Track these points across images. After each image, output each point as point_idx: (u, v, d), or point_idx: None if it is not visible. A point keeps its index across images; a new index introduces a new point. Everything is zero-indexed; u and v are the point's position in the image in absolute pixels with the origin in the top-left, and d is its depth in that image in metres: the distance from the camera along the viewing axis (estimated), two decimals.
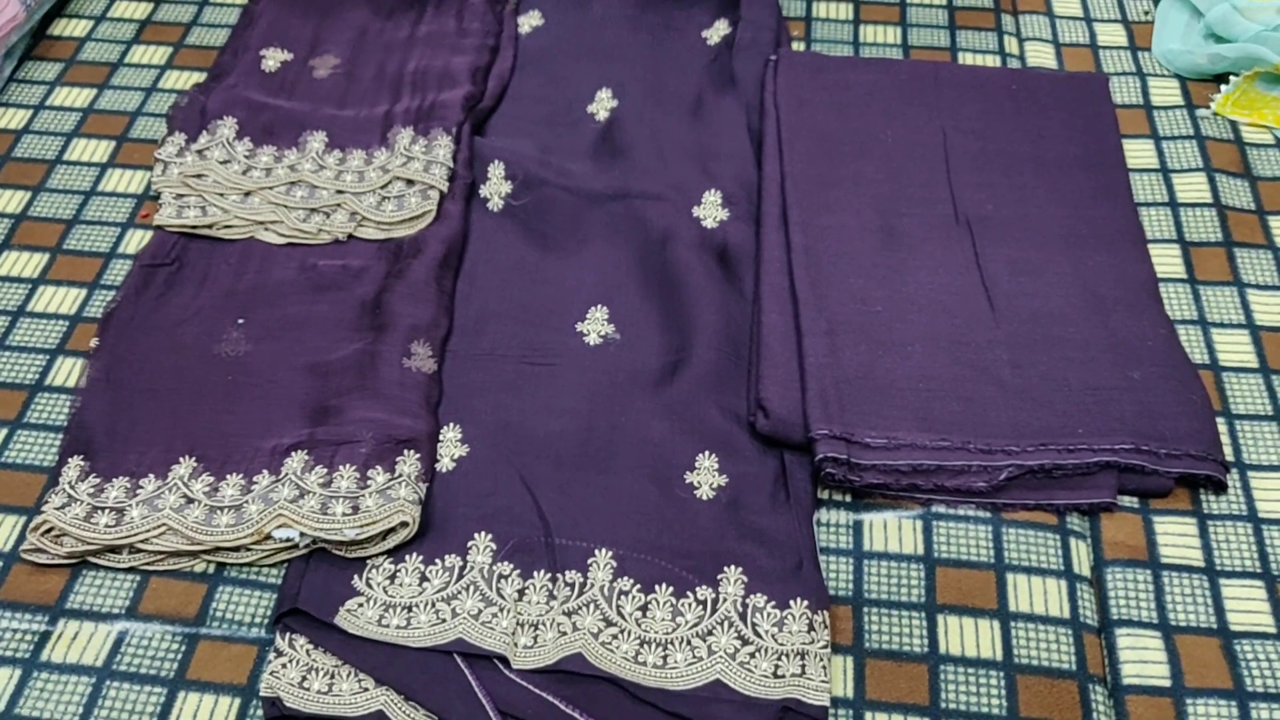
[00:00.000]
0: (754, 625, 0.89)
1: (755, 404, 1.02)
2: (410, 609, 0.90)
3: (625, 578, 0.92)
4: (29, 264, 1.17)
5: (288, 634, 0.89)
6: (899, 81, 1.32)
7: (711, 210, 1.19)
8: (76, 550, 0.94)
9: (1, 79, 1.36)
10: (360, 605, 0.90)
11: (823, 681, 0.85)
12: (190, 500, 0.95)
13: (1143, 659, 0.88)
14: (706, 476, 0.99)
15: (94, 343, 1.08)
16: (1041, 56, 1.39)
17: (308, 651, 0.88)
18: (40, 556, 0.94)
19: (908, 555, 0.95)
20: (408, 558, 0.93)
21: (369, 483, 0.94)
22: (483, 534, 0.95)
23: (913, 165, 1.22)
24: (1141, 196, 1.22)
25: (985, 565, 0.95)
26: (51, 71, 1.39)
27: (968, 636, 0.90)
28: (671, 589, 0.91)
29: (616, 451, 1.00)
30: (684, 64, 1.37)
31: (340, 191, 1.19)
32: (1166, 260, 1.16)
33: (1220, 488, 0.98)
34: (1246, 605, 0.92)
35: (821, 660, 0.87)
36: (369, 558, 0.93)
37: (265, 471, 0.96)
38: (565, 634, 0.88)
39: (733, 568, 0.92)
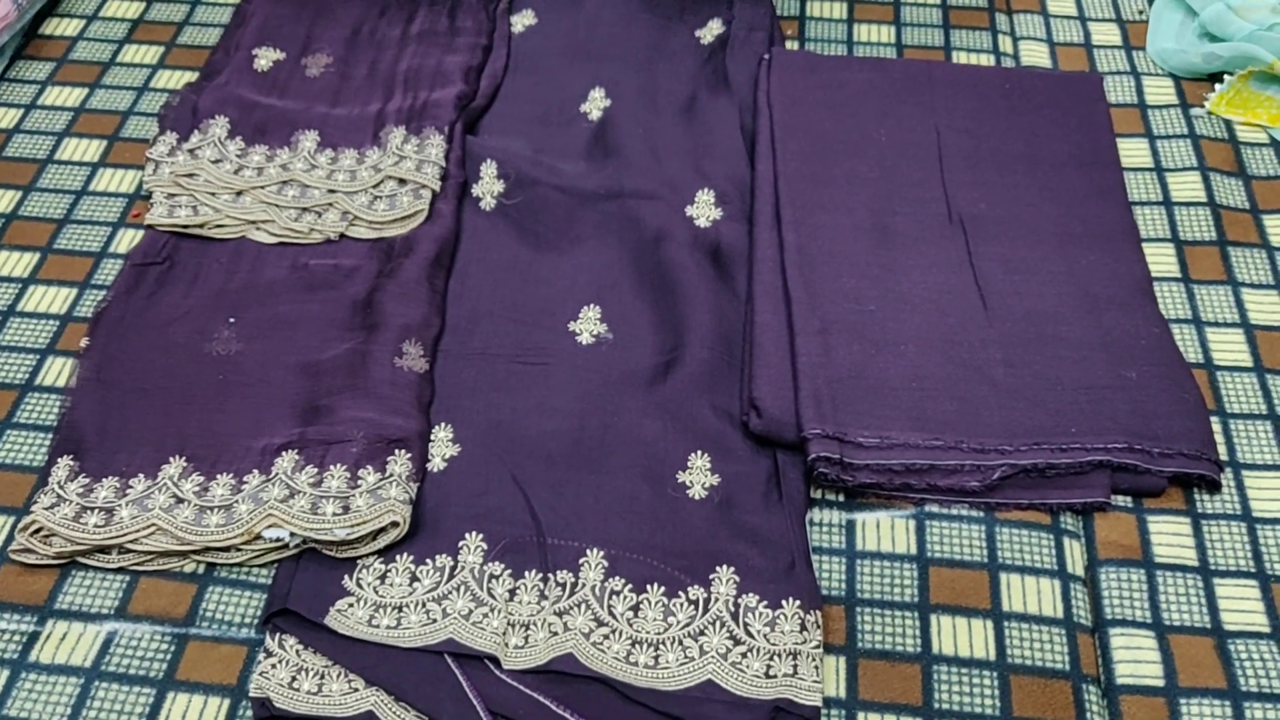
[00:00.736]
0: (746, 625, 0.89)
1: (748, 403, 1.01)
2: (401, 609, 0.89)
3: (617, 577, 0.92)
4: (19, 263, 1.17)
5: (277, 634, 0.89)
6: (893, 80, 1.31)
7: (705, 209, 1.18)
8: (65, 550, 0.93)
9: None
10: (350, 605, 0.90)
11: (815, 681, 0.85)
12: (180, 500, 0.95)
13: (1136, 659, 0.88)
14: (699, 476, 0.98)
15: (84, 342, 1.07)
16: (1036, 56, 1.39)
17: (297, 652, 0.88)
18: (29, 557, 0.94)
19: (901, 555, 0.95)
20: (398, 558, 0.93)
21: (360, 482, 0.94)
22: (474, 534, 0.94)
23: (906, 164, 1.22)
24: (1136, 195, 1.22)
25: (978, 565, 0.94)
26: (43, 71, 1.38)
27: (961, 636, 0.90)
28: (663, 589, 0.91)
29: (609, 451, 1.00)
30: (677, 63, 1.37)
31: (332, 191, 1.19)
32: (1161, 259, 1.16)
33: (1214, 487, 0.98)
34: (1240, 605, 0.92)
35: (814, 660, 0.86)
36: (359, 558, 0.93)
37: (255, 471, 0.96)
38: (556, 634, 0.88)
39: (725, 567, 0.92)
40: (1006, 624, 0.91)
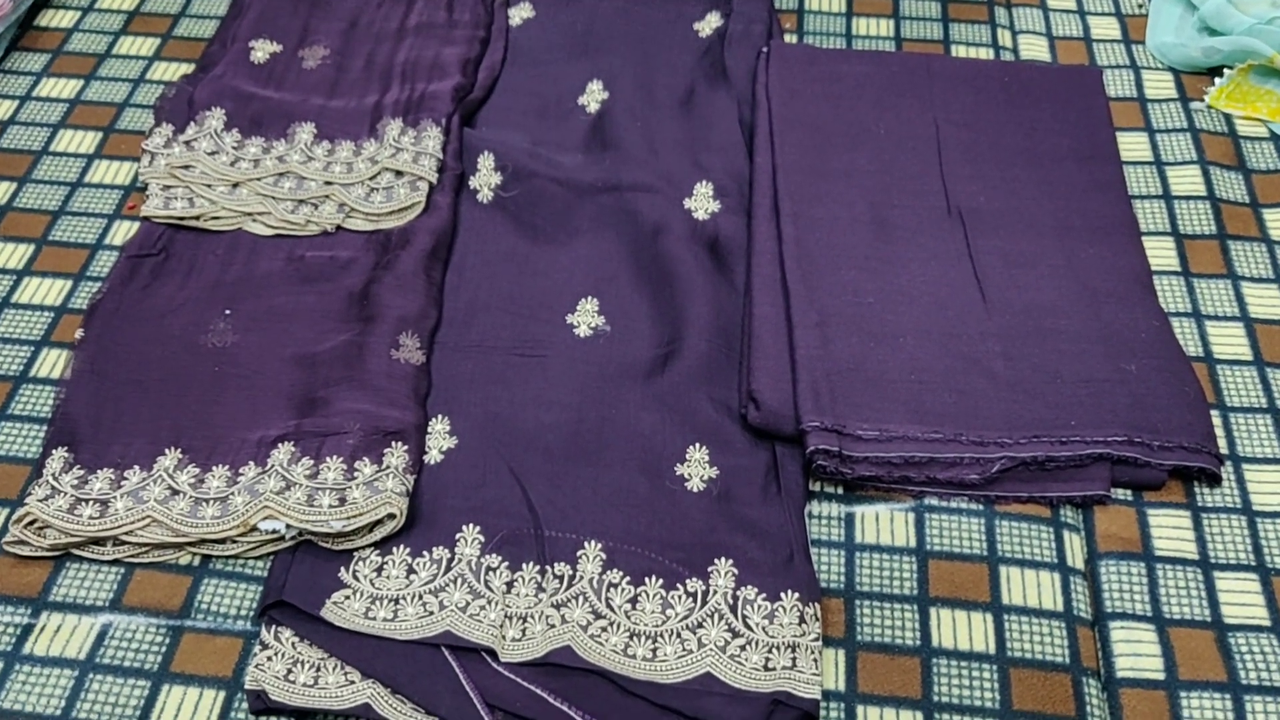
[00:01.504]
0: (744, 618, 0.88)
1: (746, 396, 1.01)
2: (397, 601, 0.89)
3: (615, 570, 0.91)
4: (14, 255, 1.16)
5: (273, 626, 0.88)
6: (891, 73, 1.31)
7: (703, 202, 1.18)
8: (60, 542, 0.93)
9: None
10: (347, 598, 0.89)
11: (814, 674, 0.85)
12: (175, 492, 0.94)
13: (1136, 652, 0.88)
14: (697, 468, 0.98)
15: (79, 334, 1.07)
16: (1035, 49, 1.39)
17: (293, 644, 0.87)
18: (23, 549, 0.93)
19: (900, 548, 0.95)
20: (395, 550, 0.92)
21: (356, 475, 0.94)
22: (471, 526, 0.94)
23: (905, 157, 1.22)
24: (1135, 189, 1.21)
25: (978, 558, 0.94)
26: (38, 62, 1.38)
27: (960, 629, 0.90)
28: (661, 581, 0.91)
29: (607, 443, 1.00)
30: (675, 56, 1.36)
31: (329, 183, 1.18)
32: (1160, 253, 1.15)
33: (1214, 480, 0.98)
34: (1241, 598, 0.91)
35: (813, 653, 0.86)
36: (356, 550, 0.92)
37: (251, 463, 0.96)
38: (554, 626, 0.88)
39: (723, 560, 0.92)
40: (1006, 617, 0.90)
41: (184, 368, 1.04)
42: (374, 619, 0.88)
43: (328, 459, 0.95)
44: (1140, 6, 1.45)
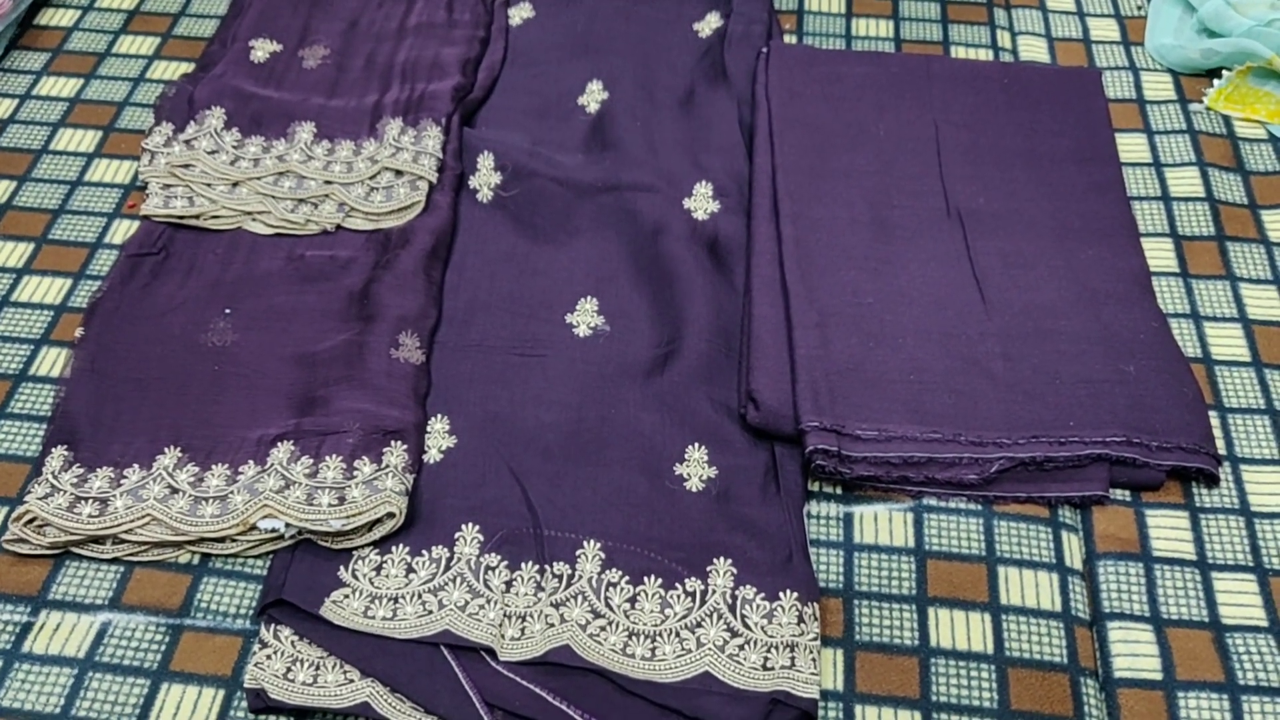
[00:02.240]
0: (743, 617, 0.88)
1: (746, 396, 1.01)
2: (396, 600, 0.89)
3: (614, 569, 0.91)
4: (14, 254, 1.16)
5: (272, 625, 0.88)
6: (891, 74, 1.31)
7: (702, 202, 1.18)
8: (59, 541, 0.93)
9: None
10: (346, 596, 0.89)
11: (812, 674, 0.85)
12: (175, 490, 0.94)
13: (1134, 652, 0.88)
14: (696, 468, 0.98)
15: (79, 332, 1.07)
16: (1034, 51, 1.39)
17: (293, 643, 0.87)
18: (22, 547, 0.93)
19: (898, 548, 0.95)
20: (394, 549, 0.92)
21: (355, 474, 0.94)
22: (470, 525, 0.94)
23: (904, 158, 1.22)
24: (1134, 190, 1.22)
25: (976, 558, 0.94)
26: (38, 61, 1.38)
27: (959, 629, 0.90)
28: (660, 581, 0.91)
29: (606, 443, 1.00)
30: (675, 56, 1.37)
31: (328, 182, 1.18)
32: (1159, 254, 1.15)
33: (1212, 481, 0.98)
34: (1238, 598, 0.91)
35: (811, 652, 0.86)
36: (355, 549, 0.92)
37: (251, 462, 0.96)
38: (553, 626, 0.88)
39: (722, 559, 0.92)
40: (1004, 617, 0.90)
41: (184, 366, 1.04)
42: (373, 618, 0.88)
43: (327, 458, 0.95)
44: (1139, 8, 1.45)
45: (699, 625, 0.88)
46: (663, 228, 1.15)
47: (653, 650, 0.87)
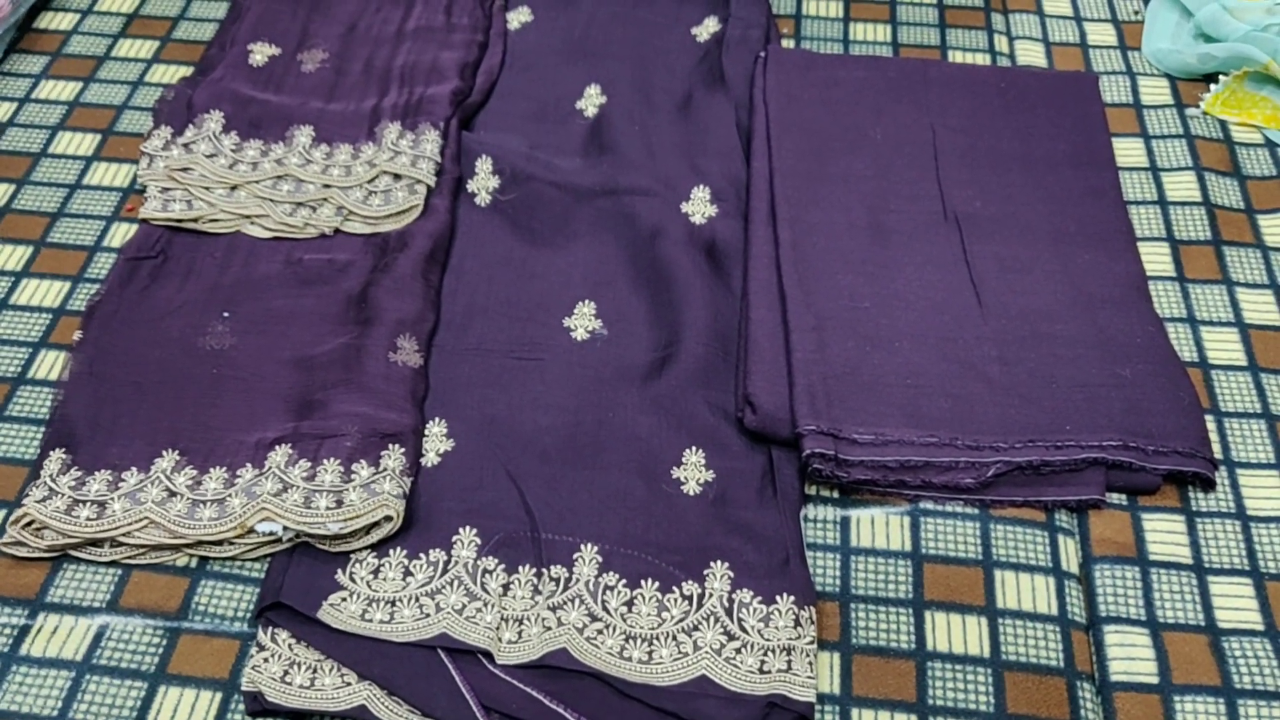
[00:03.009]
0: (740, 621, 0.88)
1: (743, 400, 1.01)
2: (394, 604, 0.89)
3: (611, 573, 0.91)
4: (12, 257, 1.16)
5: (270, 628, 0.88)
6: (888, 79, 1.31)
7: (700, 206, 1.18)
8: (57, 544, 0.93)
9: None
10: (343, 600, 0.89)
11: (809, 677, 0.85)
12: (173, 493, 0.94)
13: (1130, 656, 0.88)
14: (693, 472, 0.98)
15: (77, 336, 1.07)
16: (1031, 55, 1.39)
17: (290, 646, 0.87)
18: (20, 550, 0.93)
19: (895, 551, 0.95)
20: (391, 552, 0.93)
21: (353, 477, 0.94)
22: (467, 529, 0.94)
23: (902, 162, 1.22)
24: (1131, 195, 1.22)
25: (973, 562, 0.94)
26: (37, 65, 1.38)
27: (955, 633, 0.90)
28: (657, 584, 0.91)
29: (603, 447, 1.00)
30: (673, 61, 1.37)
31: (327, 186, 1.18)
32: (1156, 258, 1.16)
33: (1208, 485, 0.98)
34: (1234, 602, 0.92)
35: (808, 656, 0.86)
36: (352, 552, 0.92)
37: (249, 465, 0.96)
38: (550, 629, 0.88)
39: (719, 563, 0.92)
40: (1001, 621, 0.91)
41: (182, 370, 1.04)
42: (370, 621, 0.88)
43: (325, 461, 0.95)
44: (1136, 13, 1.45)
45: (696, 629, 0.88)
46: (660, 232, 1.15)
47: (649, 653, 0.87)
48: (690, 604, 0.90)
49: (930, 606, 0.92)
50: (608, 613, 0.89)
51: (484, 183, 1.22)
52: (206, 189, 1.18)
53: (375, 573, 0.91)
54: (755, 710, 0.83)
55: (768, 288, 1.09)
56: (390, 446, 0.96)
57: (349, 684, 0.85)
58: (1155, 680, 0.87)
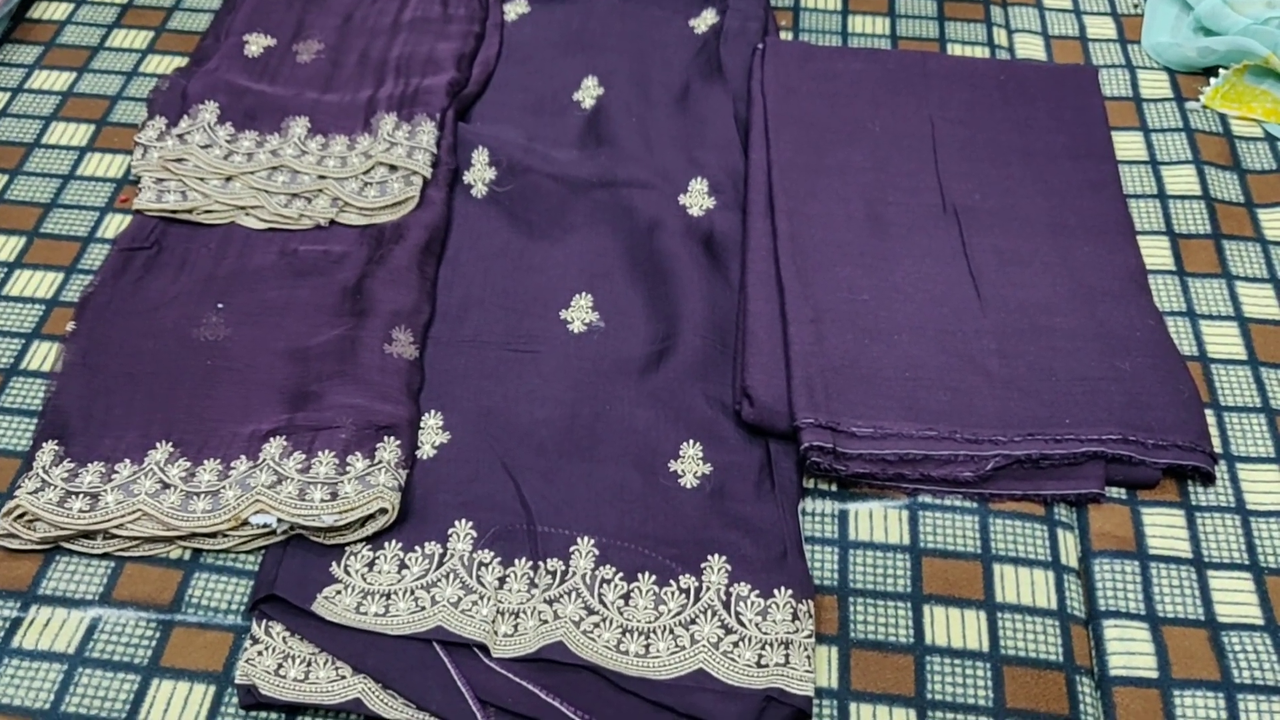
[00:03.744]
0: (737, 614, 0.88)
1: (741, 392, 1.01)
2: (389, 596, 0.89)
3: (607, 566, 0.91)
4: (5, 247, 1.15)
5: (264, 621, 0.88)
6: (887, 71, 1.31)
7: (698, 198, 1.18)
8: (50, 536, 0.92)
9: None
10: (338, 592, 0.89)
11: (807, 671, 0.84)
12: (166, 485, 0.94)
13: (1130, 650, 0.88)
14: (691, 465, 0.98)
15: (70, 327, 1.06)
16: (1031, 48, 1.39)
17: (284, 639, 0.87)
18: (12, 542, 0.93)
19: (894, 545, 0.95)
20: (387, 545, 0.92)
21: (348, 469, 0.93)
22: (463, 521, 0.94)
23: (900, 154, 1.22)
24: (1130, 188, 1.21)
25: (972, 556, 0.94)
26: (31, 54, 1.37)
27: (954, 627, 0.90)
28: (654, 577, 0.90)
29: (600, 439, 0.99)
30: (671, 53, 1.36)
31: (322, 177, 1.18)
32: (1155, 252, 1.15)
33: (1208, 479, 0.98)
34: (1234, 597, 0.91)
35: (806, 650, 0.86)
36: (347, 545, 0.92)
37: (243, 457, 0.95)
38: (546, 622, 0.87)
39: (716, 556, 0.91)
40: (1000, 615, 0.90)
41: (176, 361, 1.03)
42: (365, 614, 0.87)
43: (320, 453, 0.94)
44: (1136, 6, 1.45)
45: (693, 622, 0.88)
46: (658, 224, 1.15)
47: (646, 647, 0.86)
48: (687, 597, 0.89)
49: (929, 600, 0.91)
50: (604, 606, 0.89)
51: (480, 174, 1.21)
52: (201, 180, 1.17)
53: (370, 565, 0.91)
54: (753, 704, 0.83)
55: (766, 280, 1.08)
56: (385, 439, 0.96)
57: (343, 677, 0.85)
58: (1155, 675, 0.86)
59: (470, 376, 1.04)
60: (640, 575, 0.91)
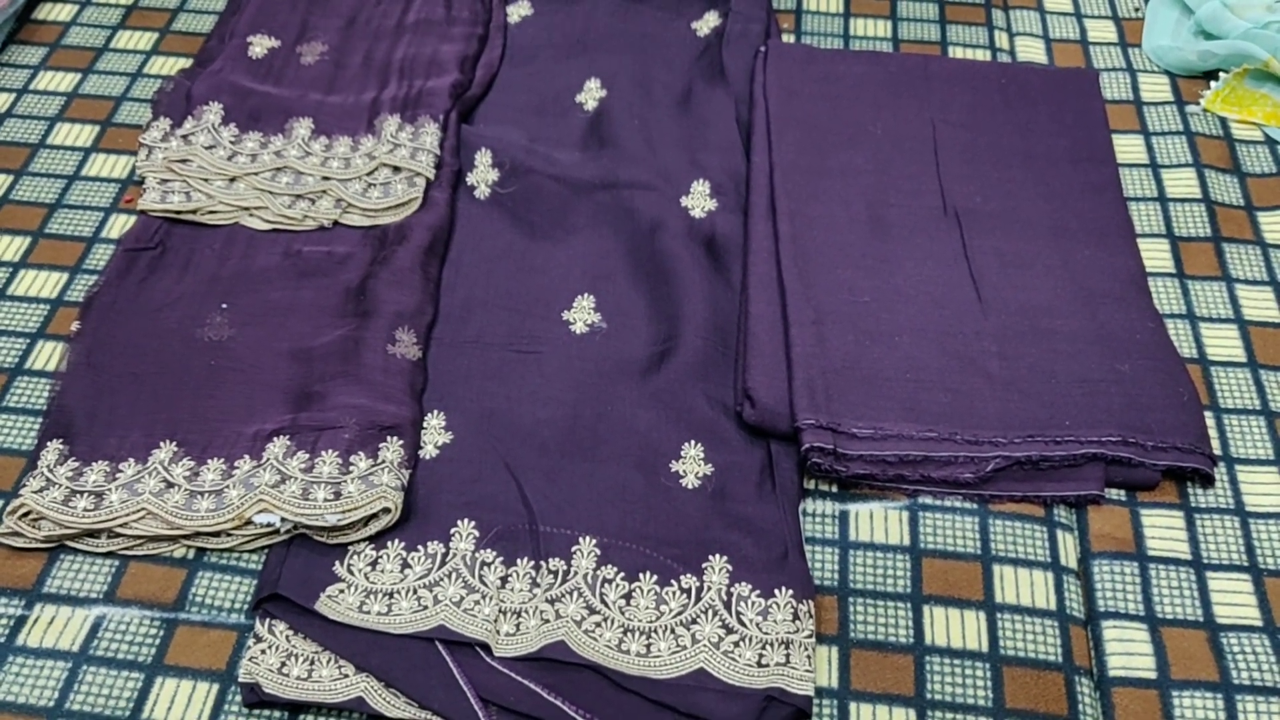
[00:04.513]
0: (738, 614, 0.88)
1: (742, 393, 1.01)
2: (392, 595, 0.89)
3: (609, 566, 0.91)
4: (10, 247, 1.16)
5: (267, 620, 0.88)
6: (889, 74, 1.31)
7: (700, 200, 1.18)
8: (54, 534, 0.93)
9: None
10: (341, 591, 0.89)
11: (807, 671, 0.85)
12: (170, 485, 0.94)
13: (1129, 651, 0.88)
14: (692, 465, 0.98)
15: (75, 326, 1.07)
16: (1032, 52, 1.39)
17: (287, 637, 0.87)
18: (17, 540, 0.93)
19: (894, 546, 0.95)
20: (390, 544, 0.92)
21: (351, 468, 0.94)
22: (466, 521, 0.94)
23: (902, 157, 1.22)
24: (1131, 191, 1.22)
25: (972, 556, 0.94)
26: (36, 56, 1.38)
27: (953, 627, 0.90)
28: (655, 577, 0.91)
29: (602, 440, 1.00)
30: (673, 55, 1.37)
31: (326, 178, 1.18)
32: (1155, 255, 1.16)
33: (1207, 481, 0.98)
34: (1233, 598, 0.92)
35: (806, 650, 0.86)
36: (350, 544, 0.92)
37: (247, 456, 0.96)
38: (548, 622, 0.88)
39: (717, 556, 0.92)
40: (999, 615, 0.90)
41: (180, 361, 1.04)
42: (368, 613, 0.88)
43: (323, 453, 0.95)
44: (1137, 10, 1.45)
45: (694, 622, 0.88)
46: (660, 225, 1.15)
47: (648, 647, 0.87)
48: (689, 597, 0.90)
49: (929, 601, 0.91)
50: (606, 605, 0.89)
51: (483, 175, 1.22)
52: (205, 180, 1.18)
53: (373, 565, 0.91)
54: (753, 704, 0.83)
55: (767, 282, 1.08)
56: (388, 439, 0.96)
57: (346, 676, 0.85)
58: (1153, 675, 0.87)
59: (473, 377, 1.05)
60: (642, 575, 0.91)
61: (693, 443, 0.99)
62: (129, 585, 0.92)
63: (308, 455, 0.95)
